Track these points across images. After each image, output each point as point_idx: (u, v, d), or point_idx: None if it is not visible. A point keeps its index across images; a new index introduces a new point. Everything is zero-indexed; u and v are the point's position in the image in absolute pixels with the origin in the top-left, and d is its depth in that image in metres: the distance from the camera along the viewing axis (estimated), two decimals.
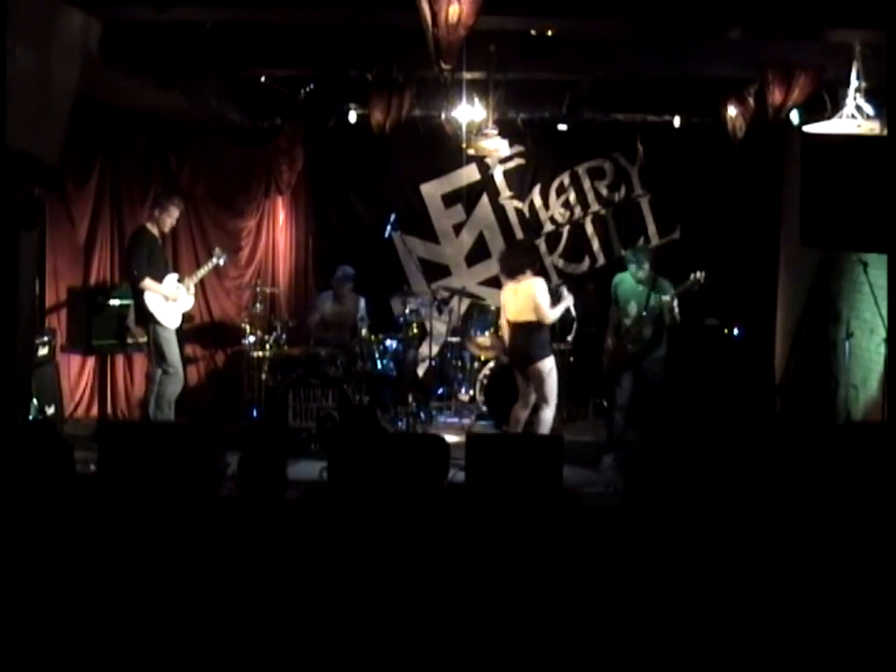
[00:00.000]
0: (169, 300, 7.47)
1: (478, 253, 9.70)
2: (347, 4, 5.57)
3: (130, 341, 8.05)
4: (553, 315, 7.31)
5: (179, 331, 7.67)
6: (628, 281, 7.50)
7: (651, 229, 9.60)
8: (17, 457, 4.24)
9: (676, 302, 7.23)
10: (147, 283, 7.34)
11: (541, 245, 9.67)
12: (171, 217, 7.58)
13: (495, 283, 9.60)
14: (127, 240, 7.97)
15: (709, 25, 5.74)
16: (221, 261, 8.04)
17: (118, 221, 8.50)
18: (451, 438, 5.50)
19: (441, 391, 9.13)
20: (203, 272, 7.96)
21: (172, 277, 7.60)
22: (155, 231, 7.52)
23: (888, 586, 3.33)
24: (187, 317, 8.00)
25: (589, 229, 9.68)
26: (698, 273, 7.16)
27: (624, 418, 7.49)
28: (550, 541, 3.59)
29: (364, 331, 8.27)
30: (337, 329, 8.56)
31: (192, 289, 7.75)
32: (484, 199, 9.67)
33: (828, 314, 8.17)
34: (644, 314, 7.31)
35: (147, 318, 7.40)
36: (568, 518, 3.78)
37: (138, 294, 7.41)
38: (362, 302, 8.66)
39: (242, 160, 9.10)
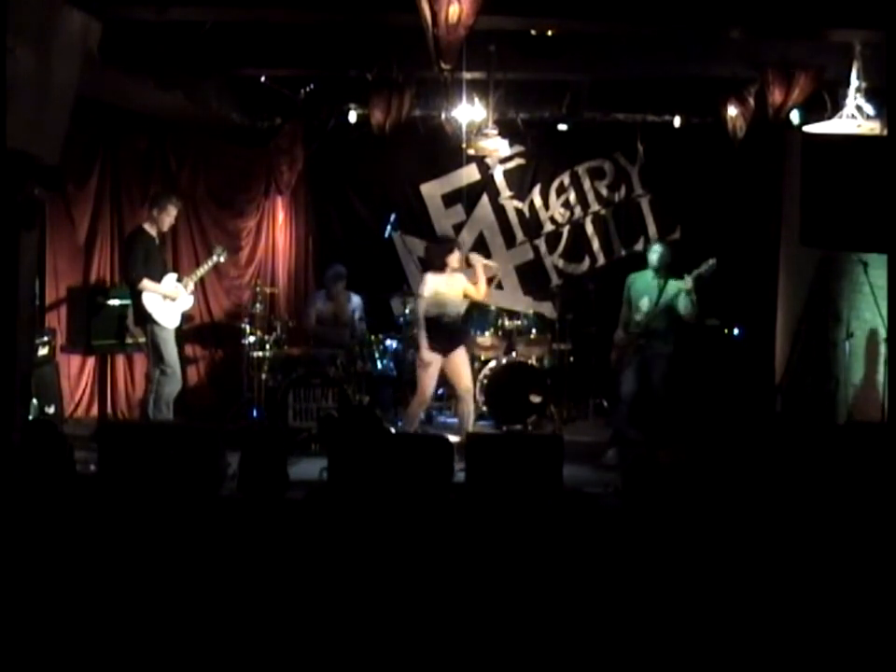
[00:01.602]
0: (167, 299, 7.46)
1: (478, 253, 9.69)
2: (347, 4, 5.57)
3: (129, 341, 8.05)
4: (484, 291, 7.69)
5: (178, 331, 7.67)
6: (642, 279, 7.57)
7: (652, 229, 9.60)
8: (17, 457, 4.24)
9: (693, 286, 7.30)
10: (145, 283, 7.33)
11: (541, 244, 9.69)
12: (170, 216, 7.57)
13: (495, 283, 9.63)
14: (124, 242, 7.98)
15: (709, 25, 5.74)
16: (222, 258, 8.02)
17: (118, 221, 8.50)
18: (451, 438, 5.49)
19: (440, 391, 9.12)
20: (202, 270, 7.94)
21: (171, 277, 7.59)
22: (153, 231, 7.51)
23: (888, 586, 3.33)
24: (186, 317, 7.99)
25: (589, 229, 9.68)
26: (711, 261, 7.27)
27: (628, 414, 7.53)
28: (550, 541, 3.59)
29: (363, 329, 8.28)
30: (333, 327, 8.54)
31: (191, 287, 7.72)
32: (484, 199, 9.67)
33: (828, 314, 8.16)
34: (656, 306, 7.40)
35: (145, 319, 7.39)
36: (570, 518, 3.78)
37: (136, 295, 7.40)
38: (356, 299, 8.63)
39: (242, 160, 9.11)
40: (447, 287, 7.51)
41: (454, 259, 7.51)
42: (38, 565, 3.39)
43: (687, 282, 7.29)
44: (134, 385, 8.60)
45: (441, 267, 7.48)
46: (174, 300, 7.50)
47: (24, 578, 3.32)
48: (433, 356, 7.43)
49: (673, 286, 7.37)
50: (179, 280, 7.63)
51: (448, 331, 7.49)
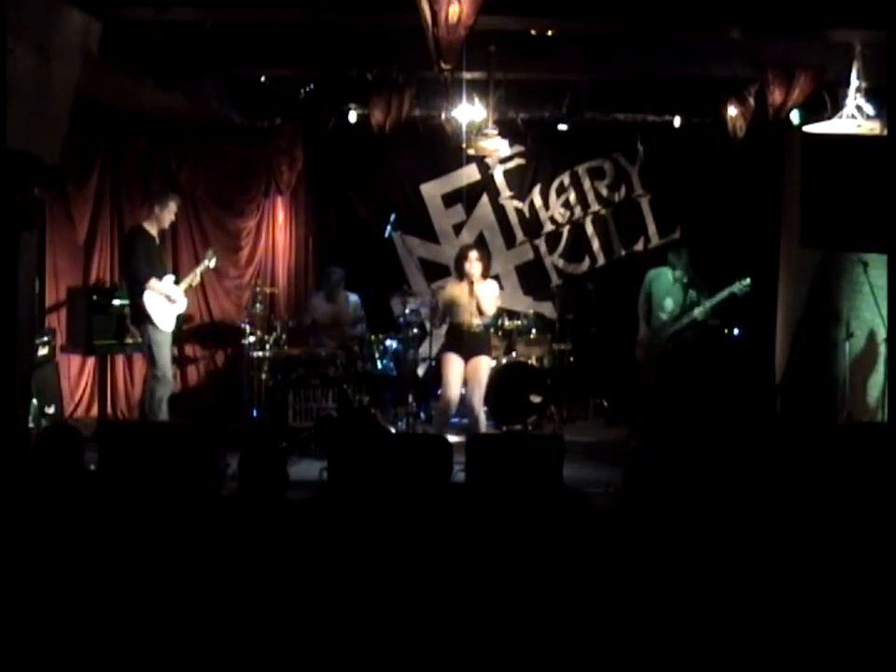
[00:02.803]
0: (166, 300, 7.41)
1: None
2: (347, 4, 5.57)
3: (129, 341, 8.03)
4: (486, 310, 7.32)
5: (176, 333, 7.64)
6: (664, 278, 7.70)
7: (651, 229, 9.60)
8: (18, 457, 4.24)
9: (721, 301, 7.62)
10: (153, 283, 7.28)
11: (541, 244, 9.69)
12: (171, 211, 7.52)
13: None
14: (124, 241, 7.95)
15: (709, 25, 5.75)
16: (212, 263, 7.93)
17: (118, 221, 8.50)
18: (451, 438, 5.49)
19: (441, 391, 9.12)
20: (196, 273, 7.84)
21: (169, 278, 7.56)
22: (153, 230, 7.46)
23: (888, 586, 3.33)
24: (185, 318, 7.97)
25: (589, 229, 9.68)
26: (746, 280, 7.55)
27: (653, 409, 7.66)
28: (550, 541, 3.60)
29: (363, 329, 8.29)
30: (333, 327, 8.53)
31: (183, 287, 7.62)
32: (484, 199, 9.67)
33: (828, 314, 8.17)
34: (682, 315, 7.67)
35: (142, 319, 7.34)
36: (570, 518, 3.78)
37: (136, 295, 7.36)
38: (354, 298, 8.61)
39: (242, 160, 9.10)
40: (458, 295, 7.22)
41: (467, 266, 7.11)
42: (41, 565, 3.39)
43: (716, 300, 7.60)
44: (134, 385, 8.60)
45: (459, 274, 7.23)
46: (173, 301, 7.47)
47: (26, 579, 3.33)
48: (447, 355, 7.33)
49: (704, 306, 7.64)
50: (176, 283, 7.58)
51: (457, 337, 7.28)
